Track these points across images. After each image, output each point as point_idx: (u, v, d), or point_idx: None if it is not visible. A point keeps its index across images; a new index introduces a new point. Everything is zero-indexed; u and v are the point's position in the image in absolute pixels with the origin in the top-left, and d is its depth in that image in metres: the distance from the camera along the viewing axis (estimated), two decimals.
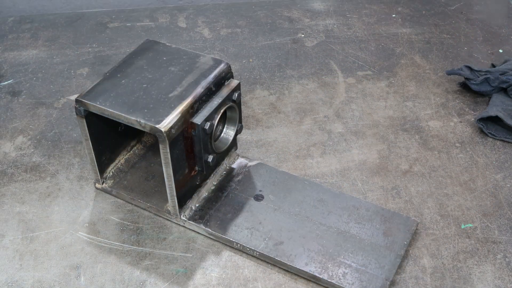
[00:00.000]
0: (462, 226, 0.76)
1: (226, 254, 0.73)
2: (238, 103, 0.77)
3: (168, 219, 0.77)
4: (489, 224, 0.76)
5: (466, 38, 1.11)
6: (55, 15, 1.11)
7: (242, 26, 1.15)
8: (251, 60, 1.05)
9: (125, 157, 0.82)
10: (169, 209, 0.75)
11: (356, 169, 0.84)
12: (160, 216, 0.78)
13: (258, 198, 0.78)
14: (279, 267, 0.71)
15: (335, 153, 0.87)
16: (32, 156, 0.87)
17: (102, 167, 0.78)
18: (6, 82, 1.01)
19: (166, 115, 0.67)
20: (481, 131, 0.89)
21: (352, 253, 0.71)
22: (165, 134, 0.66)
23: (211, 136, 0.73)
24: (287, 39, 1.11)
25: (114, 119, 0.70)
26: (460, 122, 0.92)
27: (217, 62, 0.76)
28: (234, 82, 0.76)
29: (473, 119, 0.92)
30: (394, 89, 0.98)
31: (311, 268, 0.70)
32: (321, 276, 0.69)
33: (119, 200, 0.80)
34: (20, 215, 0.78)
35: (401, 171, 0.83)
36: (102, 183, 0.80)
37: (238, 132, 0.80)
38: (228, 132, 0.80)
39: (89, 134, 0.73)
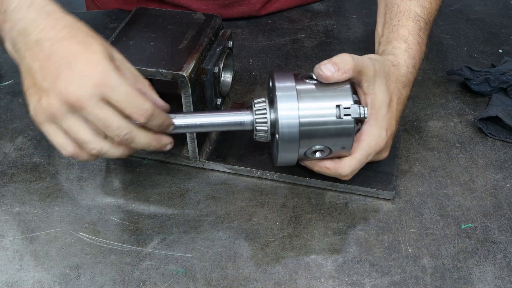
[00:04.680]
0: (462, 226, 0.76)
1: (226, 254, 0.73)
2: (232, 50, 0.86)
3: (186, 165, 0.83)
4: (489, 224, 0.76)
5: (466, 38, 1.11)
6: None
7: (242, 26, 1.15)
8: (251, 60, 1.05)
9: None
10: (187, 154, 0.83)
11: None
12: (178, 164, 0.84)
13: None
14: (300, 185, 0.81)
15: None
16: (32, 156, 0.87)
17: None
18: (6, 83, 1.01)
19: (184, 63, 0.74)
20: (481, 131, 0.89)
21: None
22: (187, 79, 0.73)
23: (219, 80, 0.81)
24: (287, 39, 1.11)
25: None
26: (460, 122, 0.92)
27: (210, 16, 0.84)
28: (227, 33, 0.84)
29: (473, 119, 0.92)
30: None
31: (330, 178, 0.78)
32: (338, 183, 0.78)
33: (119, 200, 0.80)
34: (20, 215, 0.78)
35: (401, 171, 0.83)
36: None
37: (233, 78, 0.89)
38: (227, 76, 0.87)
39: None
